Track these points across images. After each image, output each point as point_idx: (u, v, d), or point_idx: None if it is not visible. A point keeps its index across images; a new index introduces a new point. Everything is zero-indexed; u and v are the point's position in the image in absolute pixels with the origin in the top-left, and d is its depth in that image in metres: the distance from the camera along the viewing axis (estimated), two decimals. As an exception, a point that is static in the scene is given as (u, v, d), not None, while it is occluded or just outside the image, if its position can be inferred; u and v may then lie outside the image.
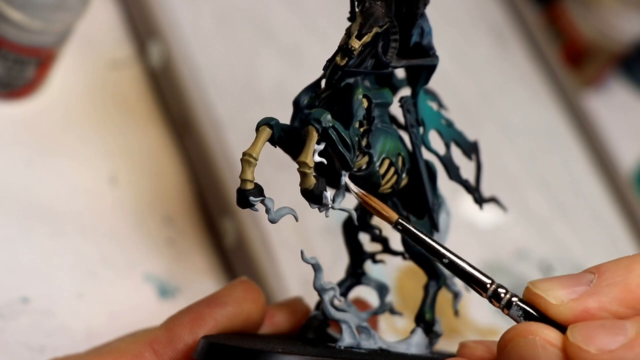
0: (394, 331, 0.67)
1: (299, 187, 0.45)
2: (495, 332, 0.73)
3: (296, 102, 0.47)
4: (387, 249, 0.53)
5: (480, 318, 0.73)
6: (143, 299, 0.62)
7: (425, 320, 0.51)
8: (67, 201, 0.65)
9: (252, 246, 0.66)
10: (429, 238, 0.45)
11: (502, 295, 0.43)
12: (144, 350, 0.48)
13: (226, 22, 0.82)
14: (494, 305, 0.44)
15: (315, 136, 0.44)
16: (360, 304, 0.54)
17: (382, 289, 0.53)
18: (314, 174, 0.44)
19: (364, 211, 0.51)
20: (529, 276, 0.79)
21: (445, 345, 0.70)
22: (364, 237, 0.53)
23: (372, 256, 0.53)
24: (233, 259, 0.67)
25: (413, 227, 0.45)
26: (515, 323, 0.43)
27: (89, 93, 0.72)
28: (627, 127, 1.05)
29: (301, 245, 0.69)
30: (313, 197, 0.45)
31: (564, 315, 0.42)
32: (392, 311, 0.54)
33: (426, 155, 0.50)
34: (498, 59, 0.97)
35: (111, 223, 0.65)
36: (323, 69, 0.46)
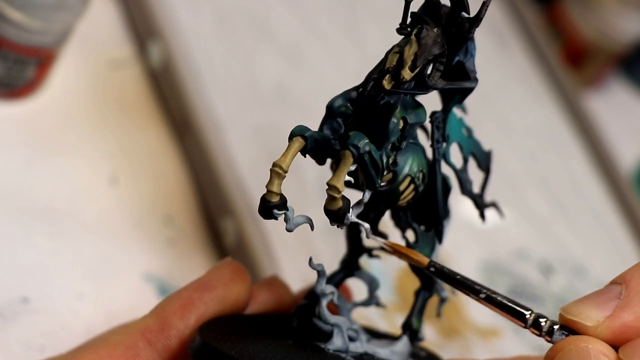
0: (396, 330, 0.67)
1: (323, 207, 0.45)
2: (495, 332, 0.73)
3: (330, 107, 0.46)
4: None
5: (481, 318, 0.73)
6: (143, 299, 0.62)
7: (412, 329, 0.51)
8: (67, 201, 0.65)
9: (252, 246, 0.66)
10: (465, 278, 0.45)
11: (543, 323, 0.43)
12: (137, 340, 0.48)
13: (226, 22, 0.82)
14: (533, 333, 0.44)
15: (350, 161, 0.44)
16: (344, 291, 0.55)
17: (372, 283, 0.53)
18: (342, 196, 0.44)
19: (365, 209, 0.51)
20: (529, 276, 0.79)
21: (446, 344, 0.70)
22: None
23: (369, 251, 0.53)
24: (233, 259, 0.67)
25: (446, 268, 0.46)
26: None
27: (89, 93, 0.72)
28: (627, 127, 1.05)
29: (301, 245, 0.69)
30: (336, 218, 0.45)
31: (603, 335, 0.41)
32: (378, 304, 0.54)
33: (444, 168, 0.50)
34: (498, 59, 0.97)
35: (111, 223, 0.65)
36: (364, 80, 0.46)
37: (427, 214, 0.50)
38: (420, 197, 0.49)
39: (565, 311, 0.43)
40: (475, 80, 0.48)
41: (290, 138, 0.45)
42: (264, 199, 0.45)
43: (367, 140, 0.44)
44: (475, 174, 0.53)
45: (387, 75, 0.44)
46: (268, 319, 0.52)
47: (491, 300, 0.44)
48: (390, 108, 0.45)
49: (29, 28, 0.63)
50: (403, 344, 0.51)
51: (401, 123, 0.46)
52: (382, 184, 0.47)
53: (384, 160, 0.45)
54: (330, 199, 0.44)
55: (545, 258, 0.81)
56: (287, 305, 0.53)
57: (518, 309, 0.44)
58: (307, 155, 0.46)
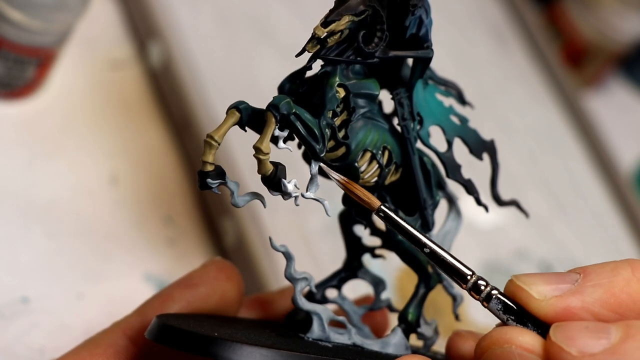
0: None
1: (259, 175, 0.44)
2: (495, 332, 0.73)
3: (280, 88, 0.47)
4: (386, 244, 0.52)
5: (480, 318, 0.73)
6: (143, 299, 0.62)
7: (407, 321, 0.49)
8: (67, 201, 0.65)
9: (252, 246, 0.66)
10: (411, 226, 0.44)
11: (483, 287, 0.43)
12: (117, 338, 0.47)
13: (226, 22, 0.82)
14: (473, 297, 0.43)
15: (272, 122, 0.44)
16: (369, 300, 0.53)
17: (378, 284, 0.52)
18: (270, 160, 0.44)
19: (354, 203, 0.51)
20: (529, 276, 0.79)
21: (445, 344, 0.70)
22: (365, 231, 0.52)
23: (371, 250, 0.52)
24: (233, 259, 0.67)
25: (395, 214, 0.44)
26: (494, 317, 0.43)
27: (89, 93, 0.72)
28: (627, 127, 1.05)
29: (301, 245, 0.69)
30: (271, 184, 0.44)
31: (545, 311, 0.41)
32: (391, 308, 0.52)
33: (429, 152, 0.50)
34: (498, 59, 0.97)
35: (111, 223, 0.65)
36: (295, 56, 0.46)
37: (408, 198, 0.49)
38: (399, 181, 0.49)
39: (518, 278, 0.42)
40: (430, 50, 0.47)
41: (227, 112, 0.45)
42: (198, 171, 0.45)
43: (289, 103, 0.44)
44: (484, 172, 0.52)
45: (310, 40, 0.44)
46: (251, 323, 0.50)
47: (434, 256, 0.44)
48: (327, 76, 0.45)
49: (29, 28, 0.63)
50: (397, 336, 0.49)
51: (341, 92, 0.45)
52: (335, 158, 0.46)
53: (324, 128, 0.45)
54: (258, 163, 0.44)
55: (545, 258, 0.82)
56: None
57: (461, 268, 0.43)
58: (246, 129, 0.46)
